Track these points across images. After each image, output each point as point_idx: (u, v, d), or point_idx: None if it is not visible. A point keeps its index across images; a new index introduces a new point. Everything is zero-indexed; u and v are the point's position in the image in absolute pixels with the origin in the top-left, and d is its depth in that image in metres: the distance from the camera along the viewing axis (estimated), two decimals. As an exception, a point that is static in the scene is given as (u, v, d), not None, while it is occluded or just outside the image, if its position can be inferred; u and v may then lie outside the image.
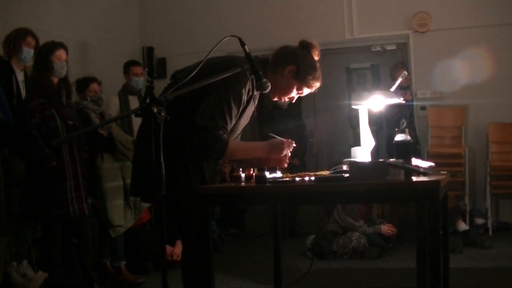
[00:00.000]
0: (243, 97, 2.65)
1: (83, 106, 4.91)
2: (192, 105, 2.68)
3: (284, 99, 2.88)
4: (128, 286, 4.80)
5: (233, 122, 2.67)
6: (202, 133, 2.55)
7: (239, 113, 2.69)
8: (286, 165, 2.86)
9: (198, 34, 7.51)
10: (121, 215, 4.82)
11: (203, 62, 2.46)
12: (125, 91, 5.70)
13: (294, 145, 2.82)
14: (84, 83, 5.13)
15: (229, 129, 2.65)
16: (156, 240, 5.14)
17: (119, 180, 4.84)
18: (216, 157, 2.62)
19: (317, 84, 2.83)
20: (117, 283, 4.84)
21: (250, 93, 2.70)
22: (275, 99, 2.88)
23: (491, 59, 6.74)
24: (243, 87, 2.63)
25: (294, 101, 2.95)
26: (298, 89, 2.82)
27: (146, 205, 5.02)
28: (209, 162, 2.79)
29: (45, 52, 4.17)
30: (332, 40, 7.30)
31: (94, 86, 5.15)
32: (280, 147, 2.77)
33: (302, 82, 2.78)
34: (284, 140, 2.78)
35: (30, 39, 4.52)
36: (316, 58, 2.82)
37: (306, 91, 2.84)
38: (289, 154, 2.84)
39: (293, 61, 2.76)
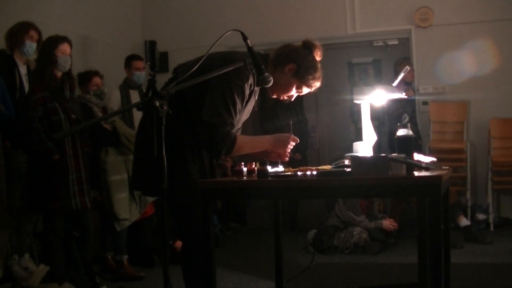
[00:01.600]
0: (245, 92, 2.66)
1: (86, 100, 4.90)
2: (192, 100, 2.69)
3: (283, 97, 2.88)
4: (129, 280, 4.81)
5: (238, 117, 2.68)
6: (211, 130, 2.55)
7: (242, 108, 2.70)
8: (287, 159, 2.86)
9: (200, 28, 7.50)
10: (126, 209, 4.81)
11: (204, 57, 2.45)
12: (126, 85, 5.69)
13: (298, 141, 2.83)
14: (86, 77, 5.13)
15: (235, 124, 2.65)
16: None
17: (123, 173, 4.83)
18: (225, 153, 2.62)
19: (317, 84, 2.83)
20: (118, 276, 4.85)
21: (252, 87, 2.71)
22: (274, 96, 2.88)
23: (493, 54, 6.73)
24: (246, 81, 2.63)
25: (293, 99, 2.95)
26: (297, 88, 2.82)
27: (151, 198, 5.02)
28: (208, 156, 2.81)
29: (49, 46, 4.16)
30: (334, 35, 7.29)
31: (97, 80, 5.15)
32: (286, 142, 2.77)
33: (301, 81, 2.78)
34: (291, 135, 2.78)
35: (32, 33, 4.51)
36: (318, 58, 2.82)
37: (305, 90, 2.84)
38: (290, 149, 2.85)
39: (294, 60, 2.76)
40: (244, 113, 2.80)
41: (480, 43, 6.75)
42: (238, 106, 2.63)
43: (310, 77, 2.78)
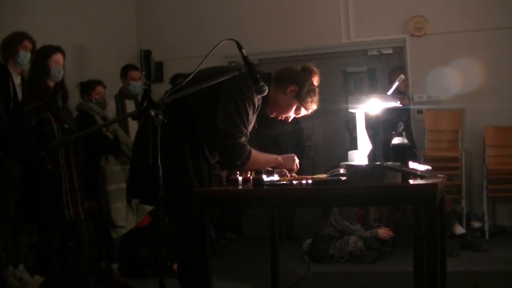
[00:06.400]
0: (256, 104, 2.77)
1: (89, 108, 4.88)
2: (196, 106, 2.74)
3: (281, 117, 3.02)
4: (117, 288, 4.78)
5: (249, 128, 2.78)
6: (228, 139, 2.64)
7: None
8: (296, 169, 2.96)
9: (195, 38, 7.51)
10: (124, 217, 4.79)
11: (200, 65, 2.46)
12: (122, 95, 5.67)
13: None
14: (90, 85, 5.13)
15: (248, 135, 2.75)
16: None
17: (122, 182, 4.81)
18: (240, 165, 2.69)
19: (314, 107, 2.98)
20: (106, 285, 4.80)
21: (259, 101, 2.82)
22: (273, 115, 3.00)
23: (487, 63, 6.76)
24: (256, 95, 2.72)
25: (289, 120, 3.10)
26: (296, 109, 2.96)
27: (148, 208, 4.99)
28: (206, 165, 2.83)
29: (42, 55, 4.17)
30: (329, 44, 7.32)
31: (100, 89, 5.15)
32: (293, 159, 2.93)
33: (301, 103, 2.92)
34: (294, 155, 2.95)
35: (26, 43, 4.52)
36: (316, 84, 2.95)
37: (303, 112, 2.98)
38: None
39: (296, 82, 2.88)
40: (249, 126, 2.85)
41: (474, 52, 6.79)
42: (250, 117, 2.74)
43: (310, 100, 2.92)
